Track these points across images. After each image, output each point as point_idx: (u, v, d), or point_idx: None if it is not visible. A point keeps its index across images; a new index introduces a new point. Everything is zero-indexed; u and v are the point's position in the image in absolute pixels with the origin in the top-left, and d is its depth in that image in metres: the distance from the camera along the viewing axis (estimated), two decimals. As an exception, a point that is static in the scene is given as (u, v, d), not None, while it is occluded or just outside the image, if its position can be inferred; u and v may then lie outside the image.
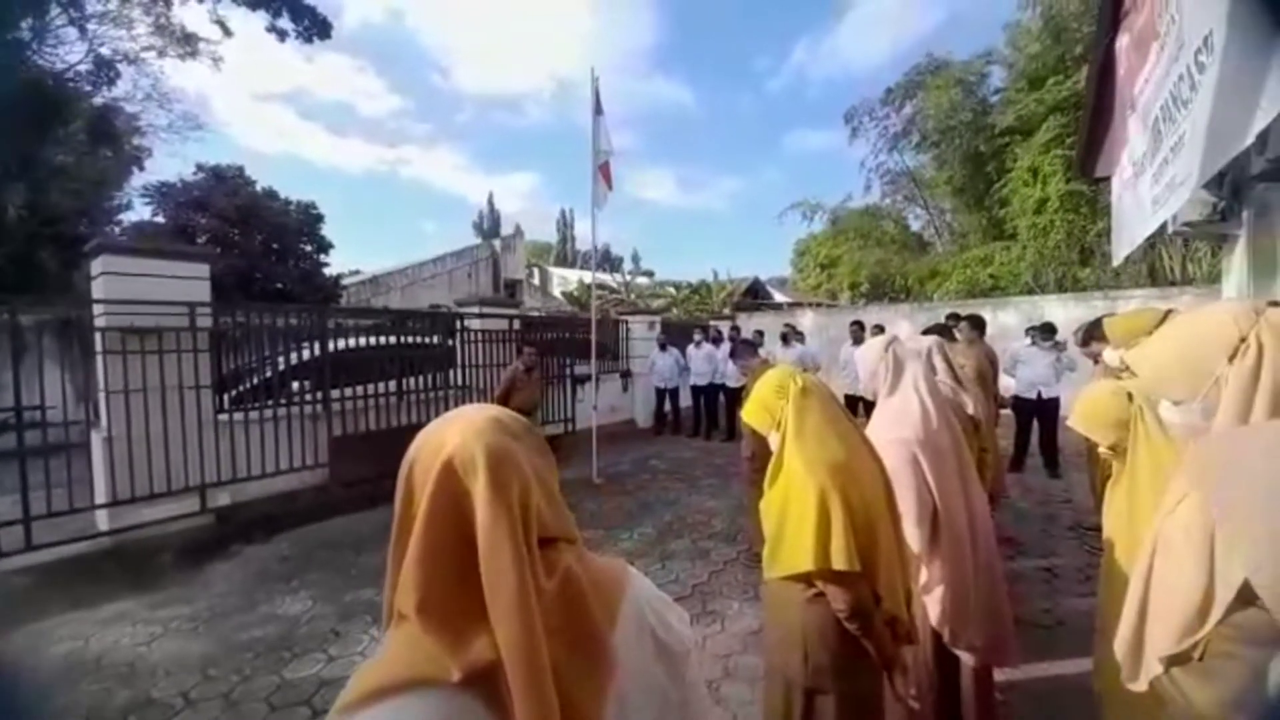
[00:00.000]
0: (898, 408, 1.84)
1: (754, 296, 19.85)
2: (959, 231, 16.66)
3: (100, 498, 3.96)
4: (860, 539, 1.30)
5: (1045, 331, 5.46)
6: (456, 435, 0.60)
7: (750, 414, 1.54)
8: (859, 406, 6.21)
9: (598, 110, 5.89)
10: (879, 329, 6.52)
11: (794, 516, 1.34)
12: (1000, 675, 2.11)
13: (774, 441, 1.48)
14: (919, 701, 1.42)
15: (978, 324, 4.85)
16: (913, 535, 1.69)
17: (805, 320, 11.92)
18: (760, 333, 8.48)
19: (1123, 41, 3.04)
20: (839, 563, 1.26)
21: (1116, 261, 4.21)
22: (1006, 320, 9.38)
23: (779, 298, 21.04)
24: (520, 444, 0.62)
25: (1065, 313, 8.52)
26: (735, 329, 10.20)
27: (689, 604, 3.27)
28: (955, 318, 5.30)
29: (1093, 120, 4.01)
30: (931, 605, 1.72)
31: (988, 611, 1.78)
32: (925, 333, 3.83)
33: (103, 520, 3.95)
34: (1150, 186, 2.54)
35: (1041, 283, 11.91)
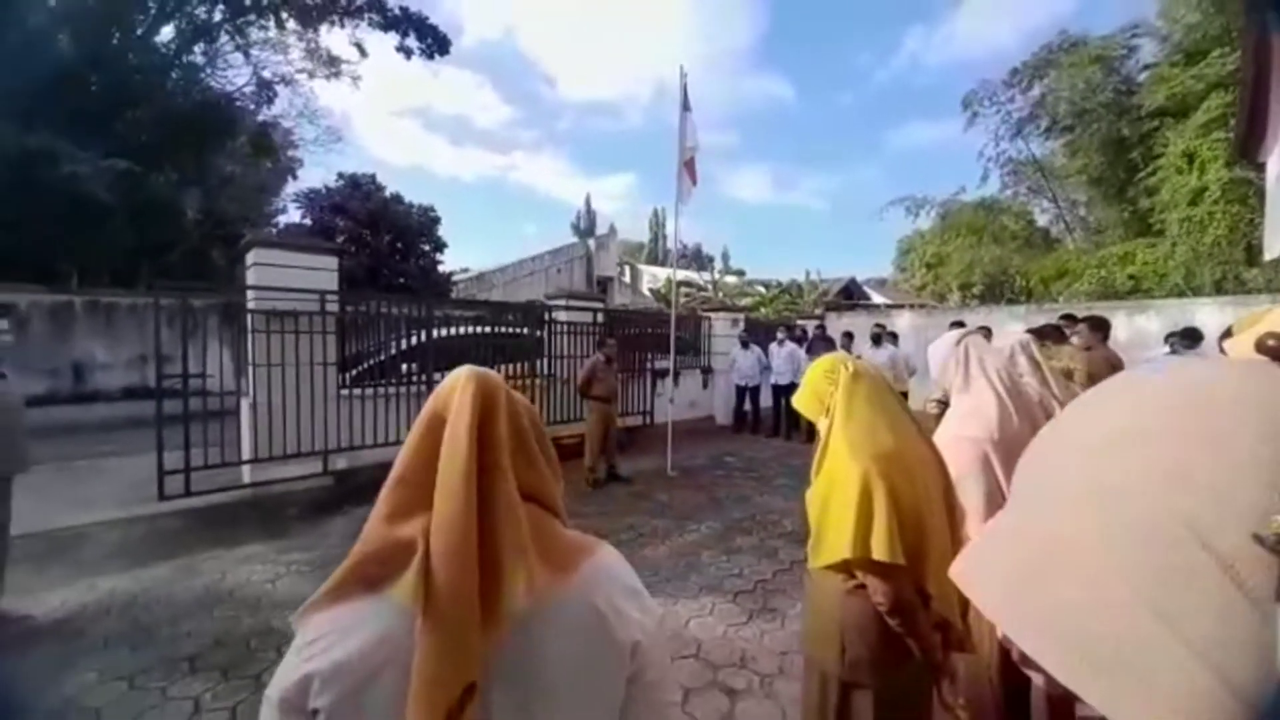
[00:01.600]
0: (971, 404, 1.73)
1: (849, 297, 18.91)
2: (1094, 227, 14.79)
3: (245, 455, 4.66)
4: (907, 532, 1.25)
5: (1188, 337, 4.74)
6: (462, 372, 0.69)
7: (800, 400, 1.53)
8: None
9: (685, 107, 5.94)
10: (958, 324, 5.97)
11: (836, 504, 1.32)
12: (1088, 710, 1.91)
13: (823, 427, 1.46)
14: (969, 714, 1.35)
15: (1099, 325, 4.32)
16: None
17: (901, 321, 11.17)
18: (849, 334, 8.09)
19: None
20: (880, 553, 1.22)
21: (1271, 254, 3.59)
22: (1146, 326, 8.23)
23: (877, 299, 19.88)
24: (509, 395, 0.70)
25: (1223, 318, 7.30)
26: (820, 327, 9.81)
27: (751, 599, 3.25)
28: (1071, 319, 4.75)
29: (1254, 97, 3.45)
30: None
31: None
32: (1030, 333, 3.51)
33: (246, 475, 4.64)
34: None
35: (1195, 284, 10.27)
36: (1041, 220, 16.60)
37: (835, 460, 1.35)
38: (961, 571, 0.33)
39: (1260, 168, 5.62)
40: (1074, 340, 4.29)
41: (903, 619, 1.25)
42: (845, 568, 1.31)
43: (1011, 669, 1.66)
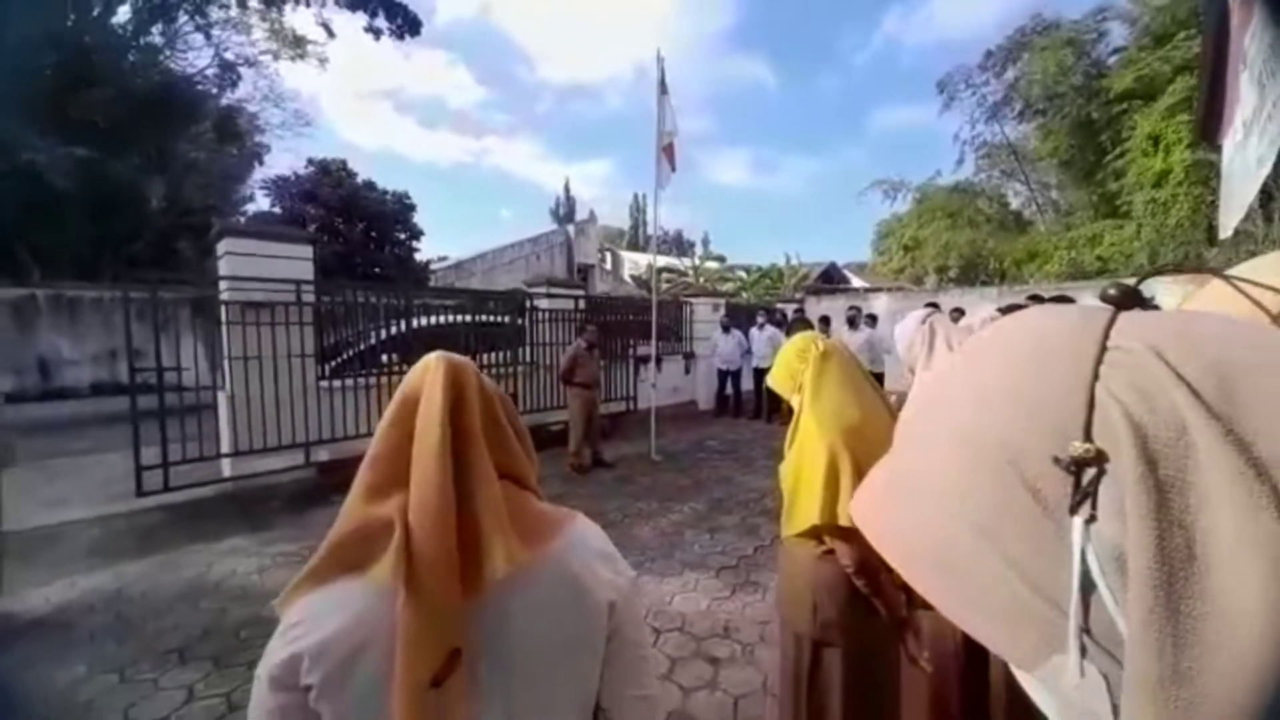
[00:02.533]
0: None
1: (829, 281, 19.12)
2: (1064, 209, 15.15)
3: (224, 449, 4.61)
4: (872, 500, 1.34)
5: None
6: (430, 358, 0.72)
7: (774, 378, 1.59)
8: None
9: (663, 90, 5.92)
10: (933, 306, 6.14)
11: (807, 475, 1.39)
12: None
13: (795, 404, 1.53)
14: (932, 666, 1.44)
15: (1062, 303, 4.48)
16: None
17: (878, 304, 11.36)
18: (826, 319, 8.23)
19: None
20: (846, 519, 1.30)
21: (1225, 233, 3.74)
22: (1112, 306, 8.50)
23: (857, 283, 20.13)
24: (480, 379, 0.72)
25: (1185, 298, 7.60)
26: (800, 311, 9.95)
27: (734, 574, 3.35)
28: (1037, 299, 4.91)
29: (1213, 79, 3.58)
30: None
31: None
32: (999, 312, 3.63)
33: (226, 468, 4.60)
34: (1256, 145, 2.27)
35: (1158, 265, 10.64)
36: (1015, 203, 16.98)
37: (805, 435, 1.43)
38: (853, 505, 0.37)
39: (1220, 149, 5.83)
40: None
41: (868, 580, 1.34)
42: (815, 534, 1.39)
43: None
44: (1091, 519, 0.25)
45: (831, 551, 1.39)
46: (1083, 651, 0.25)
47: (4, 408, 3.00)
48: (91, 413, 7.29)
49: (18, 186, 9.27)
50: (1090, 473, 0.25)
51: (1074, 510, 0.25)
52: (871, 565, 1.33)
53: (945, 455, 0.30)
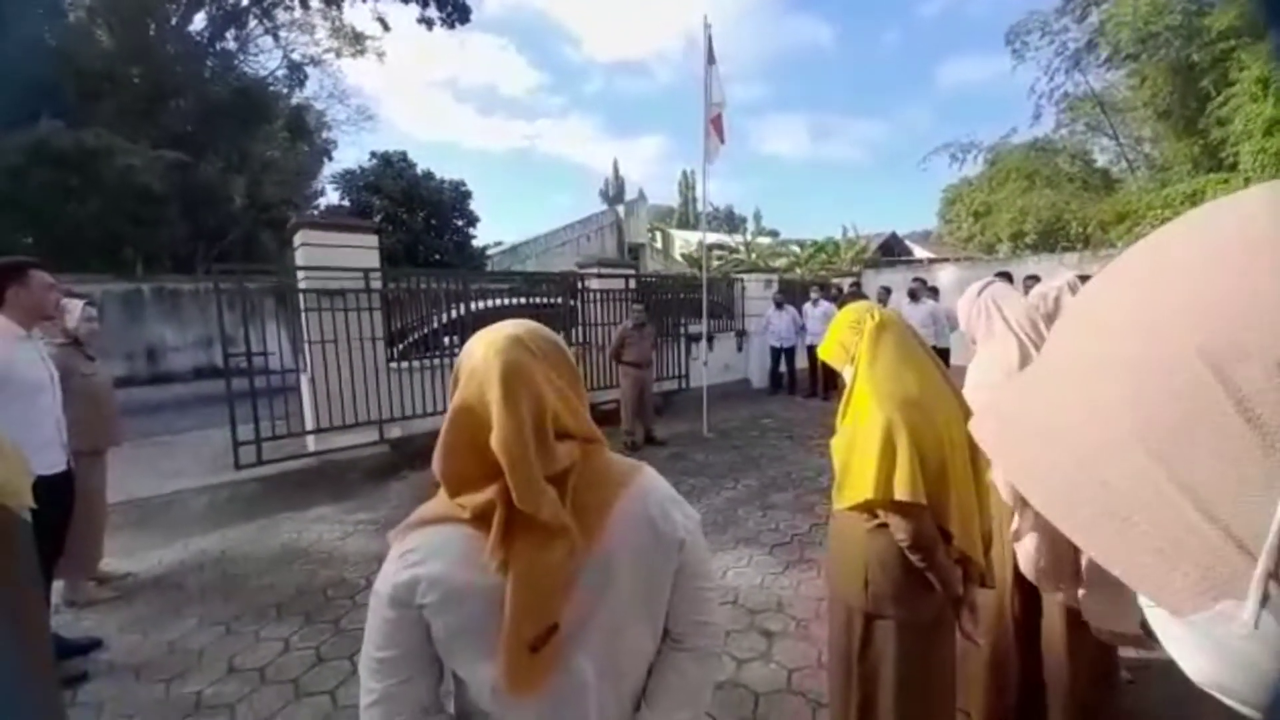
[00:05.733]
0: (993, 352, 1.74)
1: (889, 253, 18.27)
2: (1159, 164, 13.70)
3: (308, 426, 5.00)
4: (929, 474, 1.31)
5: None
6: (481, 350, 0.75)
7: (825, 349, 1.57)
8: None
9: (710, 60, 5.78)
10: (1004, 276, 5.73)
11: (861, 448, 1.37)
12: (1131, 653, 1.94)
13: (849, 376, 1.51)
14: (988, 642, 1.42)
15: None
16: (1002, 484, 1.63)
17: (944, 276, 10.79)
18: (887, 289, 7.90)
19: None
20: (901, 493, 1.28)
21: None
22: (1214, 270, 7.70)
23: (920, 253, 19.14)
24: (538, 361, 0.75)
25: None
26: (856, 285, 9.58)
27: (787, 551, 3.35)
28: None
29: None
30: (1021, 554, 1.65)
31: (1099, 573, 1.66)
32: (1081, 279, 3.38)
33: (310, 444, 4.99)
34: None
35: (1271, 223, 9.50)
36: (1101, 160, 15.47)
37: (859, 406, 1.41)
38: (980, 430, 0.32)
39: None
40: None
41: (924, 554, 1.31)
42: (868, 508, 1.38)
43: (1028, 602, 1.72)
44: None
45: (885, 525, 1.37)
46: (1263, 600, 0.21)
47: (117, 391, 3.36)
48: (194, 394, 8.05)
49: (119, 190, 10.20)
50: None
51: None
52: (927, 540, 1.31)
53: (1116, 364, 0.26)
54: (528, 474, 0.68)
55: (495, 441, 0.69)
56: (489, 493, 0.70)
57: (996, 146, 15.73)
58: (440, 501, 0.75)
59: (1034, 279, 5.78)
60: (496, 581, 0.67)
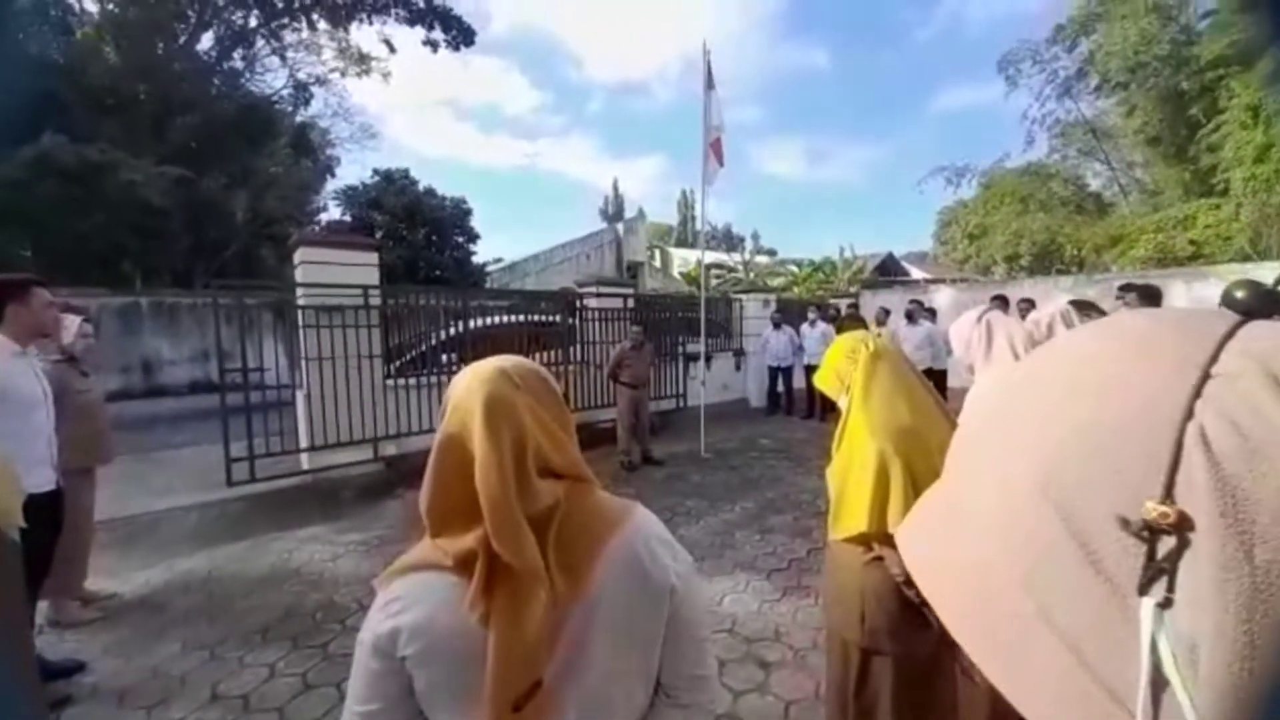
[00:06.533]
0: (992, 379, 1.74)
1: (886, 274, 18.41)
2: (1151, 189, 13.94)
3: (302, 443, 4.96)
4: (924, 506, 1.30)
5: (1145, 296, 4.29)
6: (466, 381, 0.75)
7: (821, 378, 1.57)
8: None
9: (709, 85, 5.88)
10: (999, 300, 5.79)
11: (855, 479, 1.37)
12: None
13: (844, 405, 1.51)
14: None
15: (1149, 295, 4.09)
16: None
17: (940, 297, 10.84)
18: (886, 310, 7.94)
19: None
20: (895, 526, 1.27)
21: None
22: (1208, 294, 7.76)
23: (916, 274, 19.28)
24: (521, 394, 0.74)
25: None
26: (853, 306, 9.64)
27: (785, 576, 3.31)
28: (1129, 289, 4.48)
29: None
30: None
31: None
32: (1073, 304, 3.39)
33: (304, 462, 4.95)
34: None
35: (1261, 248, 9.62)
36: (1093, 184, 15.77)
37: (854, 437, 1.40)
38: (900, 527, 0.33)
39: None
40: (1123, 310, 4.09)
41: (919, 589, 1.29)
42: (863, 540, 1.37)
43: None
44: (1167, 603, 0.19)
45: (880, 557, 1.36)
46: None
47: (109, 406, 3.33)
48: (189, 408, 8.00)
49: (122, 205, 10.26)
50: (1168, 543, 0.19)
51: (1144, 590, 0.20)
52: (923, 573, 1.30)
53: (993, 494, 0.25)
54: (507, 515, 0.67)
55: (476, 476, 0.68)
56: (471, 539, 0.68)
57: (990, 170, 16.03)
58: (424, 546, 0.74)
59: (1028, 303, 5.81)
60: (478, 633, 0.66)
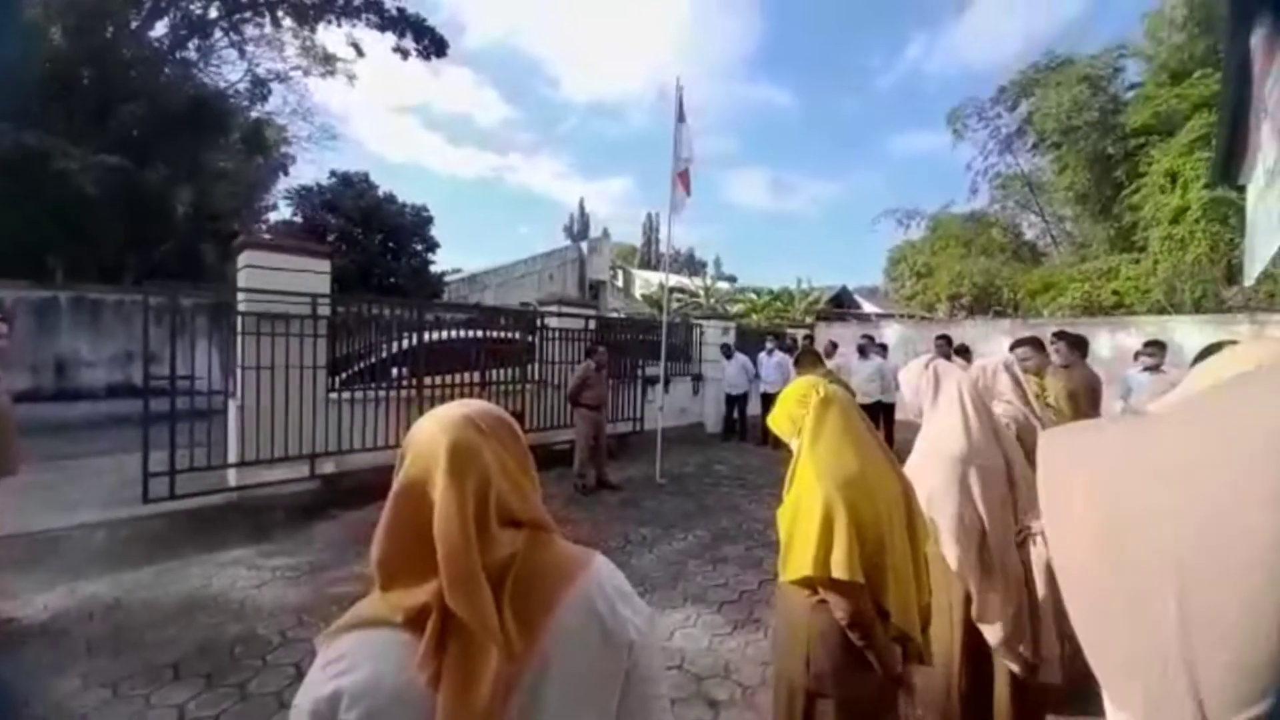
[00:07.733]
0: (941, 425, 1.80)
1: (840, 306, 19.09)
2: (1079, 241, 15.07)
3: (231, 458, 4.65)
4: (868, 553, 1.32)
5: (1154, 346, 4.86)
6: (428, 430, 0.73)
7: (774, 421, 1.59)
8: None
9: (680, 118, 6.02)
10: (944, 340, 6.16)
11: (802, 523, 1.38)
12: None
13: (795, 449, 1.53)
14: (930, 722, 1.41)
15: (1076, 344, 4.42)
16: (951, 553, 1.67)
17: (889, 333, 11.33)
18: (834, 344, 8.20)
19: (1256, 38, 2.70)
20: (839, 572, 1.29)
21: (1250, 280, 3.74)
22: (1128, 343, 8.37)
23: (868, 308, 20.09)
24: (487, 440, 0.73)
25: (1201, 336, 7.48)
26: (809, 338, 9.92)
27: (736, 609, 3.30)
28: (1061, 336, 4.83)
29: (1234, 120, 3.56)
30: (988, 631, 1.68)
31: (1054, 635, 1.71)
32: (1012, 348, 3.59)
33: (232, 478, 4.63)
34: (1278, 198, 2.25)
35: (1175, 301, 10.52)
36: (1029, 234, 16.92)
37: (803, 481, 1.42)
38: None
39: (1241, 190, 5.77)
40: (1053, 357, 4.38)
41: (861, 633, 1.31)
42: (809, 584, 1.37)
43: (974, 679, 1.73)
44: None
45: (825, 601, 1.36)
46: None
47: (18, 405, 3.04)
48: (106, 414, 7.42)
49: (48, 193, 9.56)
50: None
51: None
52: (865, 618, 1.31)
53: (1119, 593, 0.26)
54: (464, 567, 0.64)
55: (435, 525, 0.66)
56: (423, 593, 0.65)
57: (937, 214, 17.02)
58: (373, 601, 0.69)
59: (943, 338, 6.20)
60: (427, 696, 0.62)
